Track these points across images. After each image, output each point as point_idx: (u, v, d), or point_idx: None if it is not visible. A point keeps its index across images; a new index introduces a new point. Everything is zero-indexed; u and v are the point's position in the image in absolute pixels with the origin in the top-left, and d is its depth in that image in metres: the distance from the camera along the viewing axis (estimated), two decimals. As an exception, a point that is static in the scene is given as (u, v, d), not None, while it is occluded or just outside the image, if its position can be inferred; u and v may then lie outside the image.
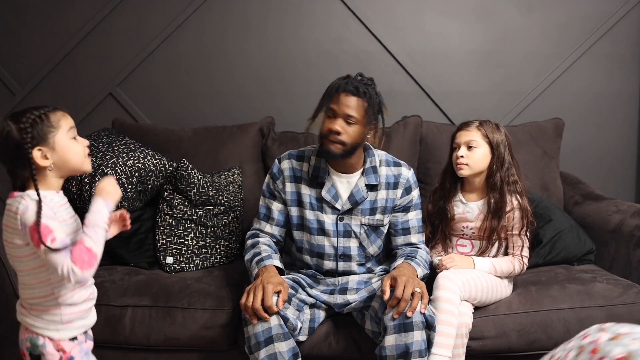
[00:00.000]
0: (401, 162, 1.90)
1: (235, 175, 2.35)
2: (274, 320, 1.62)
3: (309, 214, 1.84)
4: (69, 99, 2.77)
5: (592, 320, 1.83)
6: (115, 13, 2.74)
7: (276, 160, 1.91)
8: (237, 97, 2.78)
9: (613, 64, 2.77)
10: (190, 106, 2.79)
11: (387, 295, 1.61)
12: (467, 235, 1.94)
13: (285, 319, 1.64)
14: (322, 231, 1.83)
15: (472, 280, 1.79)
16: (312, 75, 2.75)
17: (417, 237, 1.89)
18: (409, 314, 1.57)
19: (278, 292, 1.65)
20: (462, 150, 1.89)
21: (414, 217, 1.89)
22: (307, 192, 1.84)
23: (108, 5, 2.72)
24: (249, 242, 1.89)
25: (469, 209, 1.93)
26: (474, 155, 1.88)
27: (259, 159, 2.49)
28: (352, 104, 1.71)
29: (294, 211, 1.86)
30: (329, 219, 1.83)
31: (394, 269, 1.74)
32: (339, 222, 1.83)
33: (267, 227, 1.90)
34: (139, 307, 1.88)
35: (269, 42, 2.75)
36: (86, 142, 1.41)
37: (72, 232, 1.39)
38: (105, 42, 2.76)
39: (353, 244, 1.85)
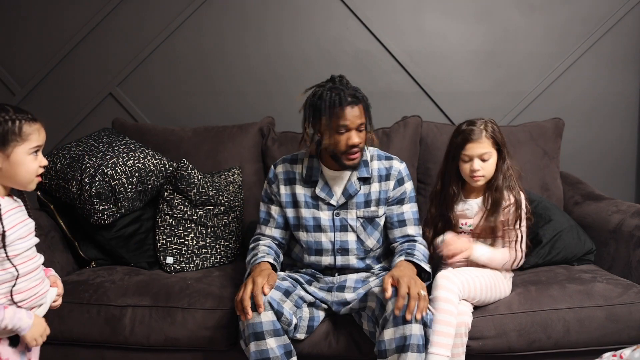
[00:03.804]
0: (393, 156, 1.95)
1: (235, 175, 2.35)
2: (267, 316, 1.63)
3: (305, 212, 1.87)
4: (69, 99, 2.78)
5: (592, 320, 1.83)
6: (115, 13, 2.74)
7: (272, 166, 1.96)
8: (236, 97, 2.78)
9: (613, 64, 2.77)
10: (190, 106, 2.79)
11: (389, 294, 1.61)
12: (465, 232, 1.94)
13: (279, 314, 1.65)
14: (318, 227, 1.87)
15: (472, 279, 1.79)
16: (312, 75, 2.72)
17: (413, 229, 1.91)
18: (418, 316, 1.58)
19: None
20: (478, 164, 1.86)
21: (409, 210, 1.91)
22: (301, 191, 1.88)
23: (108, 5, 2.72)
24: (250, 246, 1.92)
25: (468, 207, 1.93)
26: (488, 166, 1.87)
27: (259, 159, 2.50)
28: (358, 113, 1.74)
29: (290, 212, 1.90)
30: (325, 215, 1.86)
31: (394, 267, 1.74)
32: (335, 217, 1.86)
33: (267, 230, 1.93)
34: (139, 307, 1.88)
35: (268, 42, 2.75)
36: (44, 162, 1.36)
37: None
38: (105, 42, 2.76)
39: (350, 237, 1.87)
